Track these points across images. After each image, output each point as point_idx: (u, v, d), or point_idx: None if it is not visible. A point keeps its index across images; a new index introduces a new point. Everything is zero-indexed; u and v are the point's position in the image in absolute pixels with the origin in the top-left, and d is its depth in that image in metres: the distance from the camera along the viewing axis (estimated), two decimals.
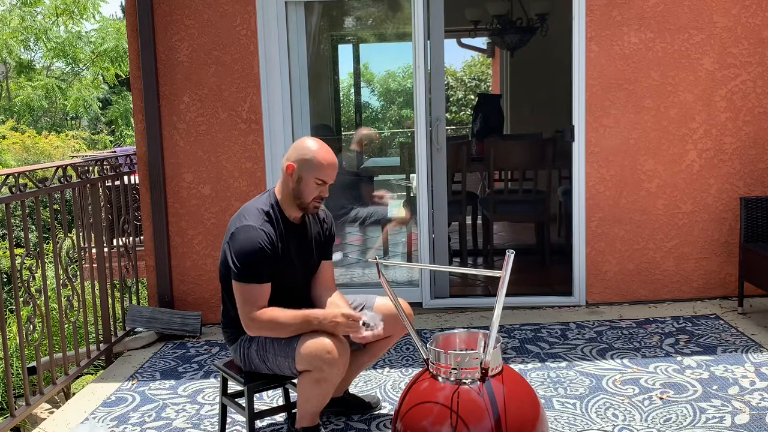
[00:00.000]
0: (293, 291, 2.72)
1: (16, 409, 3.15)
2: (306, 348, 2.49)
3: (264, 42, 4.27)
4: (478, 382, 2.20)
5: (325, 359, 2.46)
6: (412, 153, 4.71)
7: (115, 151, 8.36)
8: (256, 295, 2.53)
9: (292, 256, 2.66)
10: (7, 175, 3.06)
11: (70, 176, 3.65)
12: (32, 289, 3.19)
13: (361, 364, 2.90)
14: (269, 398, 3.25)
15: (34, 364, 3.53)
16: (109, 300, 4.00)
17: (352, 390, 3.15)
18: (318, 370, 2.48)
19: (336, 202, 5.23)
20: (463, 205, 5.48)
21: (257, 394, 3.15)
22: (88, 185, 3.83)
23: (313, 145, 2.61)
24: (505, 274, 2.20)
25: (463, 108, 14.27)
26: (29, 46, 14.74)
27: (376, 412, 3.03)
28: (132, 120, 12.05)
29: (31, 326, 3.20)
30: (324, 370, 2.47)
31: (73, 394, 3.96)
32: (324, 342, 2.47)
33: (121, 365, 3.83)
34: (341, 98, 7.16)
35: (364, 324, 2.55)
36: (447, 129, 4.55)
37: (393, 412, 2.94)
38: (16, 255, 3.18)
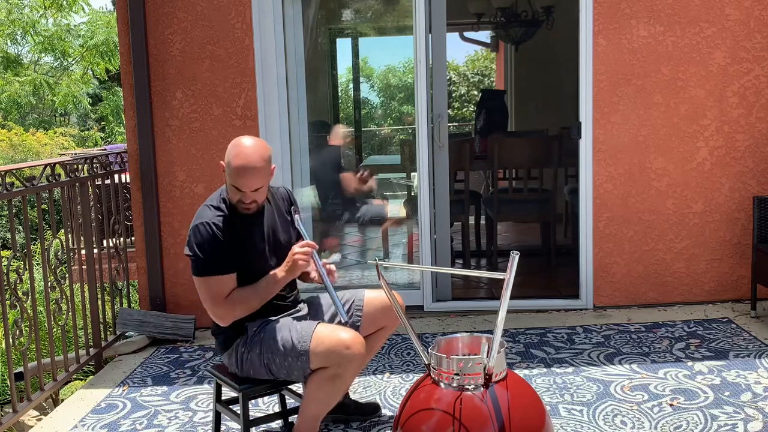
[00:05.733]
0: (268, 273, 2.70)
1: (2, 416, 3.13)
2: (322, 345, 2.48)
3: (260, 36, 4.24)
4: (482, 388, 2.17)
5: (344, 354, 2.45)
6: (413, 151, 4.69)
7: (105, 149, 8.35)
8: (219, 286, 2.54)
9: (257, 242, 2.64)
10: None
11: (59, 175, 3.62)
12: (19, 292, 3.16)
13: None
14: (265, 405, 3.21)
15: (21, 369, 3.49)
16: (99, 303, 3.96)
17: (351, 396, 3.11)
18: (336, 365, 2.47)
19: (331, 202, 5.20)
20: (466, 205, 5.46)
21: (252, 401, 3.11)
22: (77, 184, 3.80)
23: (235, 148, 2.54)
24: (509, 277, 2.18)
25: (465, 104, 14.26)
26: (16, 39, 14.72)
27: (376, 419, 2.99)
28: (123, 116, 11.96)
29: (18, 330, 3.17)
30: (342, 365, 2.47)
31: (62, 400, 3.96)
32: (341, 337, 2.48)
33: (111, 371, 3.79)
34: (339, 94, 7.17)
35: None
36: (449, 126, 4.54)
37: (393, 419, 2.90)
38: (3, 257, 3.13)
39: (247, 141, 2.55)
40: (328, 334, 2.50)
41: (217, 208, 2.59)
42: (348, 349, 2.45)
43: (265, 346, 2.57)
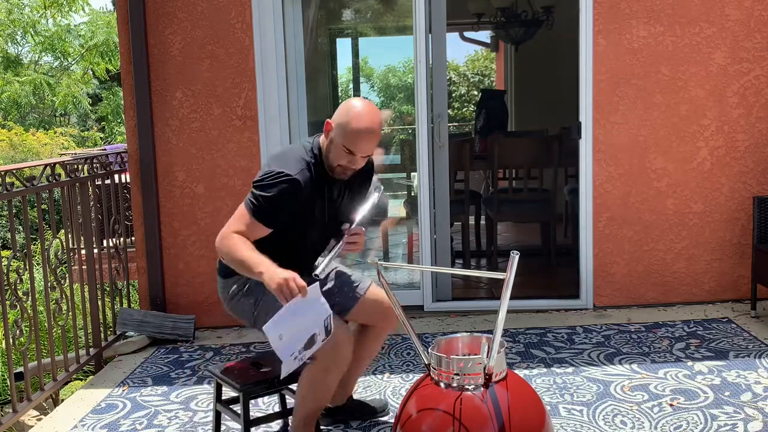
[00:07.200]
0: (307, 242, 2.60)
1: (2, 416, 3.13)
2: None
3: (259, 35, 4.22)
4: (482, 389, 2.16)
5: (332, 348, 2.42)
6: (413, 151, 4.67)
7: (105, 149, 8.31)
8: (251, 229, 2.41)
9: (318, 211, 2.54)
10: None
11: (59, 175, 3.60)
12: (19, 292, 3.14)
13: (359, 360, 2.78)
14: (265, 405, 3.20)
15: (21, 369, 3.48)
16: (99, 303, 3.95)
17: (355, 397, 3.08)
18: (324, 356, 2.42)
19: None
20: (466, 205, 5.44)
21: (252, 401, 3.06)
22: (77, 184, 3.79)
23: (353, 109, 2.41)
24: (509, 276, 2.17)
25: (465, 104, 14.25)
26: (16, 39, 14.64)
27: (376, 419, 2.98)
28: (123, 116, 11.90)
29: (18, 330, 3.15)
30: (330, 357, 2.43)
31: (62, 400, 3.93)
32: (333, 332, 2.43)
33: (111, 371, 3.78)
34: (339, 94, 7.13)
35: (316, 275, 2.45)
36: (449, 126, 4.52)
37: (393, 419, 2.89)
38: (3, 257, 3.12)
39: (362, 103, 2.43)
40: None
41: (308, 165, 2.44)
42: (336, 345, 2.42)
43: (262, 301, 2.52)
